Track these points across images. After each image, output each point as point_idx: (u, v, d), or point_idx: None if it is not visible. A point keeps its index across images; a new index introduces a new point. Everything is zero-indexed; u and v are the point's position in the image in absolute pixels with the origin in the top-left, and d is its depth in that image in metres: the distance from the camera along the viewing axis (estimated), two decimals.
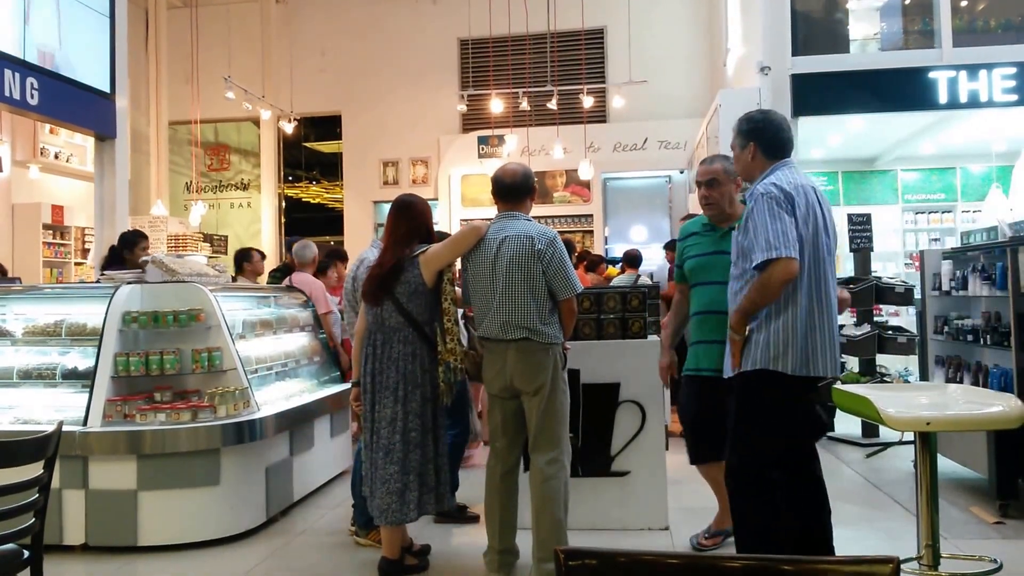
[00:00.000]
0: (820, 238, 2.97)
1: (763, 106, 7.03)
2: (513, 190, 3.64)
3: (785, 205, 2.90)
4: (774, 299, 2.92)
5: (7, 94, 6.46)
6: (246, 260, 6.58)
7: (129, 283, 4.56)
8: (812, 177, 3.23)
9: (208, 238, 12.10)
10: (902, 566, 2.66)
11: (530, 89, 11.26)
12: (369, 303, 3.66)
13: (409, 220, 3.70)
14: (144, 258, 4.82)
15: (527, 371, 3.48)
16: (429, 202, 3.93)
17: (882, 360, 6.79)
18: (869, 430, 6.47)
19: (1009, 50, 7.39)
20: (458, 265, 3.81)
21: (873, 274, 6.76)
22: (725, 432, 3.35)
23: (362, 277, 3.82)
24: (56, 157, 10.58)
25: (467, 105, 11.48)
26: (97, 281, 5.79)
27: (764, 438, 3.00)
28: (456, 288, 3.81)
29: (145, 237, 6.19)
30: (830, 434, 6.68)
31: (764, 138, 3.10)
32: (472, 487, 4.84)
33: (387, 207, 3.83)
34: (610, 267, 9.47)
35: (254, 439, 4.33)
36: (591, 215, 11.95)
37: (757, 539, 3.05)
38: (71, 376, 4.41)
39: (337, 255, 6.48)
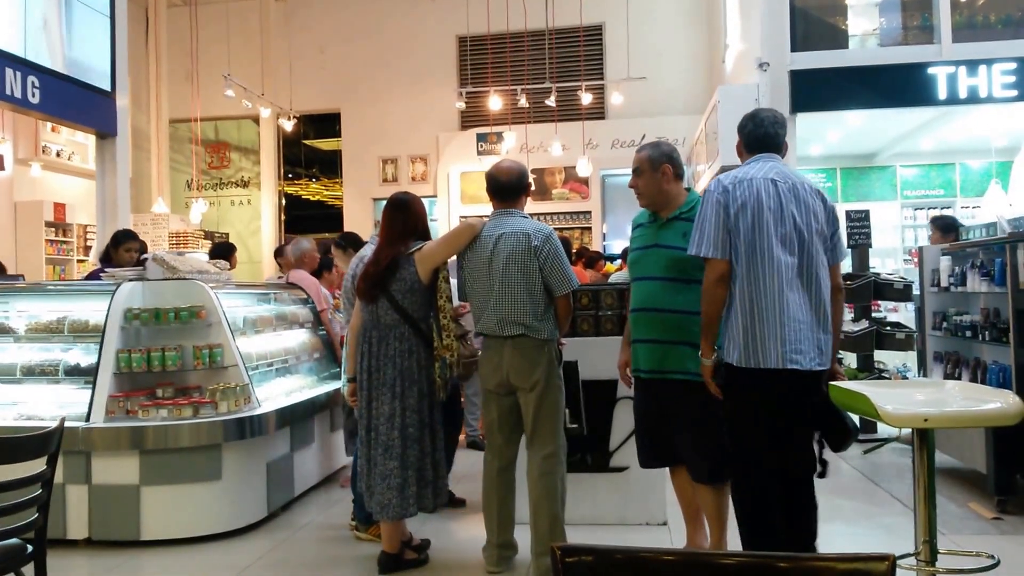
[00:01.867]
0: (763, 229, 2.96)
1: (761, 102, 7.06)
2: (508, 188, 3.66)
3: (720, 199, 2.99)
4: (718, 300, 3.01)
5: (8, 93, 6.47)
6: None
7: (131, 280, 4.58)
8: (795, 171, 3.23)
9: (209, 235, 12.12)
10: (899, 562, 2.68)
11: (528, 86, 11.26)
12: (365, 300, 3.68)
13: (404, 218, 3.72)
14: (145, 256, 4.83)
15: (523, 367, 3.50)
16: (428, 199, 3.95)
17: (880, 356, 6.81)
18: (867, 426, 6.49)
19: (1009, 45, 7.39)
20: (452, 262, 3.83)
21: (872, 270, 6.77)
22: (665, 436, 3.44)
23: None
24: (58, 155, 10.59)
25: (466, 102, 11.47)
26: (98, 276, 5.81)
27: (733, 433, 3.07)
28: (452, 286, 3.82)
29: (134, 238, 6.17)
30: None
31: (743, 133, 3.25)
32: (471, 483, 4.86)
33: None
34: (608, 264, 9.49)
35: (255, 435, 4.36)
36: (589, 212, 11.95)
37: (752, 537, 3.08)
38: (74, 372, 4.44)
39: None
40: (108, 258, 6.05)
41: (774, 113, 3.27)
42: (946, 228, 6.00)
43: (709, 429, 3.27)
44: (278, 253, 7.23)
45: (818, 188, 3.17)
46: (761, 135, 3.18)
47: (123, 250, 5.92)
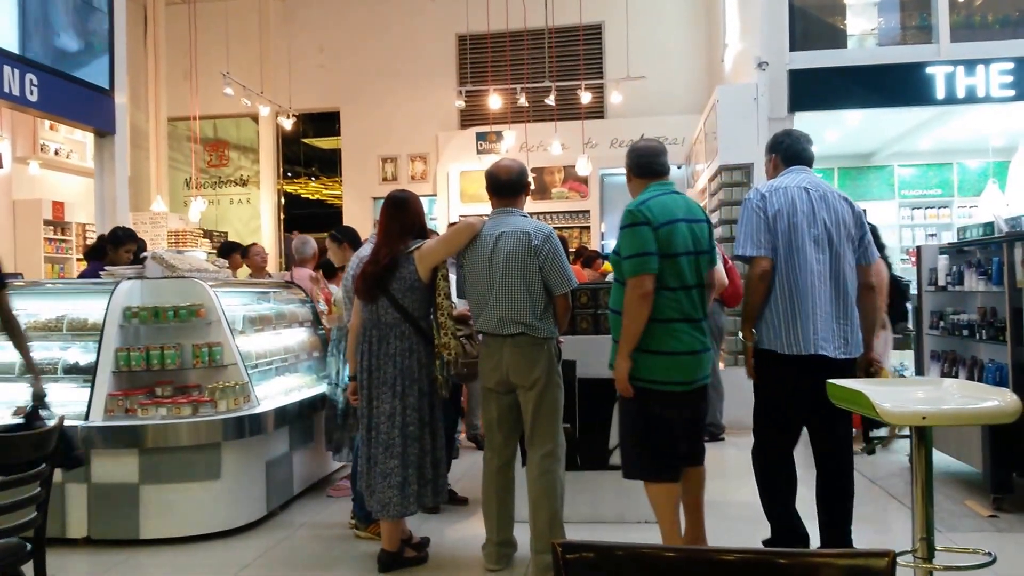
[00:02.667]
0: (798, 230, 3.34)
1: (760, 102, 7.11)
2: (508, 187, 3.66)
3: (760, 205, 3.38)
4: (761, 293, 3.37)
5: (7, 90, 6.46)
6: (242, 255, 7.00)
7: (129, 278, 4.58)
8: (824, 181, 3.57)
9: (208, 234, 12.10)
10: (898, 558, 2.69)
11: (528, 85, 11.26)
12: (364, 300, 3.68)
13: (403, 216, 3.72)
14: (145, 254, 4.83)
15: (523, 366, 3.51)
16: (428, 198, 3.96)
17: None
18: (864, 424, 6.50)
19: (1006, 45, 7.39)
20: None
21: None
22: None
23: None
24: (56, 153, 10.57)
25: (465, 101, 11.45)
26: (92, 275, 5.80)
27: (761, 412, 3.48)
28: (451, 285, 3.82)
29: (134, 241, 6.11)
30: None
31: (780, 148, 3.65)
32: (469, 481, 4.87)
33: None
34: (606, 263, 9.50)
35: (254, 433, 4.37)
36: (588, 211, 11.95)
37: (773, 507, 3.49)
38: (72, 371, 4.44)
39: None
40: (101, 254, 6.01)
41: (804, 133, 3.70)
42: None
43: (621, 425, 3.53)
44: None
45: (846, 196, 3.52)
46: (798, 149, 3.60)
47: (123, 251, 5.88)
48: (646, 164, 3.49)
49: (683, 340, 3.28)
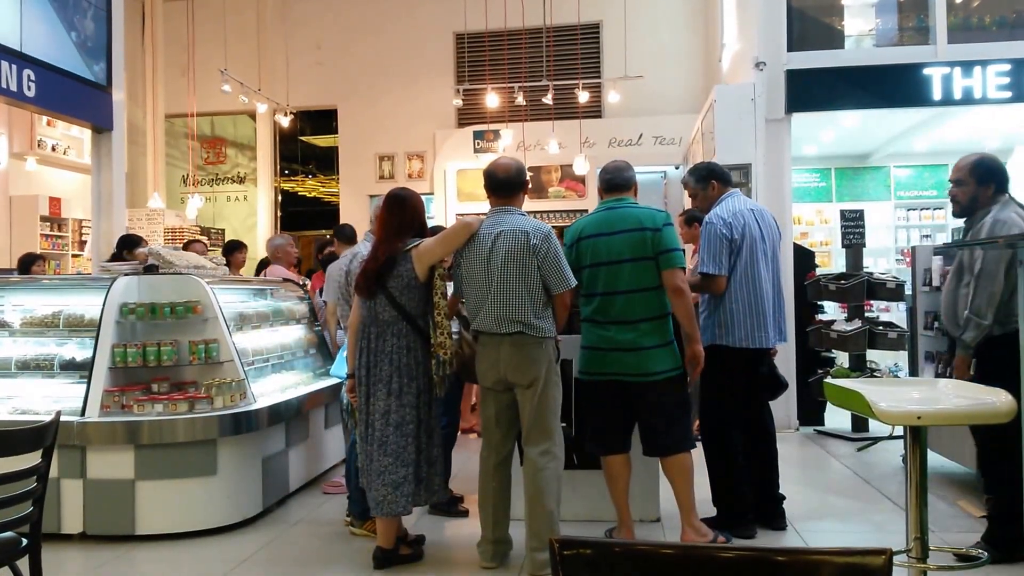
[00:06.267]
0: (755, 249, 4.03)
1: (757, 102, 7.13)
2: (506, 185, 3.67)
3: (723, 232, 3.99)
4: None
5: (4, 86, 6.44)
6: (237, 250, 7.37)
7: (126, 275, 4.58)
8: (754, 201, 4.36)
9: (205, 231, 12.08)
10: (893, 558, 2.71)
11: (526, 84, 11.25)
12: (363, 296, 3.69)
13: (401, 214, 3.72)
14: (142, 249, 4.83)
15: (521, 365, 3.52)
16: (425, 196, 4.00)
17: (872, 355, 6.84)
18: (859, 424, 6.53)
19: (1003, 47, 7.41)
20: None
21: (865, 270, 6.81)
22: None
23: (355, 272, 3.84)
24: (53, 149, 10.55)
25: (463, 99, 11.44)
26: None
27: (721, 399, 4.02)
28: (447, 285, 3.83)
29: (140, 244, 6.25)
30: (820, 428, 6.74)
31: (717, 174, 4.27)
32: (467, 479, 4.87)
33: None
34: None
35: (250, 430, 4.37)
36: (586, 210, 11.94)
37: (723, 487, 4.05)
38: (69, 367, 4.44)
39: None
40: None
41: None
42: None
43: None
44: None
45: (769, 211, 4.34)
46: (729, 175, 4.36)
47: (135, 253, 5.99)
48: (602, 181, 3.95)
49: (587, 338, 3.83)
